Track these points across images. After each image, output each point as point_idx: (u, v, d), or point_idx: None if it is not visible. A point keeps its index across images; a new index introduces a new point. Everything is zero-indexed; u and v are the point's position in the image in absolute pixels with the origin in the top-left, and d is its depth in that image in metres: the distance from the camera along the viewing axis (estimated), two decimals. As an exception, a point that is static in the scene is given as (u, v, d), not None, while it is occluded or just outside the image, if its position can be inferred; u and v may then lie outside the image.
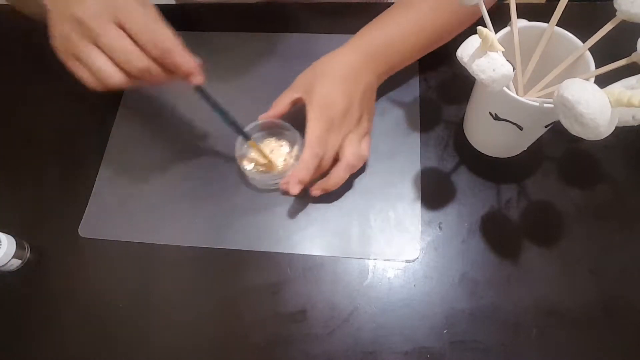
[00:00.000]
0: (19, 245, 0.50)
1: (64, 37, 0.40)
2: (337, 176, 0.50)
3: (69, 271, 0.52)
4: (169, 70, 0.42)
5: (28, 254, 0.51)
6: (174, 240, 0.52)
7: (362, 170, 0.53)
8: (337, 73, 0.50)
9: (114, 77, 0.40)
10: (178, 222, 0.53)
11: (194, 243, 0.52)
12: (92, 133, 0.59)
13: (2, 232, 0.49)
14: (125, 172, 0.56)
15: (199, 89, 0.46)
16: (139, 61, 0.40)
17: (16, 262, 0.50)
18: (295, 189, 0.48)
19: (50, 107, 0.62)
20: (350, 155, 0.50)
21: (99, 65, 0.39)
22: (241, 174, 0.54)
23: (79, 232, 0.53)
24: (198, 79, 0.44)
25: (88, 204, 0.54)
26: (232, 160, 0.55)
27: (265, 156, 0.52)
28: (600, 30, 0.40)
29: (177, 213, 0.53)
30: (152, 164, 0.56)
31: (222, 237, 0.52)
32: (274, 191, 0.53)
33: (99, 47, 0.39)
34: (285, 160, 0.53)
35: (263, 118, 0.52)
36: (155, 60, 0.41)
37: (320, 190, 0.50)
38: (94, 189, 0.55)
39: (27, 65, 0.65)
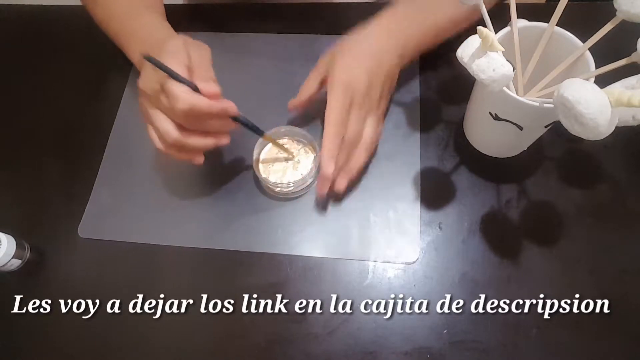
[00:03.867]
0: (19, 245, 0.50)
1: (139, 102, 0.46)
2: (359, 159, 0.49)
3: (68, 271, 0.52)
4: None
5: (28, 254, 0.51)
6: (174, 241, 0.52)
7: (373, 154, 0.53)
8: (361, 51, 0.49)
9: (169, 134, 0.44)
10: (178, 222, 0.53)
11: (194, 244, 0.52)
12: (92, 133, 0.59)
13: (2, 232, 0.49)
14: (125, 172, 0.56)
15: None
16: (170, 135, 0.43)
17: (16, 262, 0.50)
18: (329, 167, 0.47)
19: (50, 107, 0.62)
20: (369, 137, 0.49)
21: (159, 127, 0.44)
22: (242, 175, 0.54)
23: (79, 232, 0.53)
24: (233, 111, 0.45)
25: (88, 204, 0.54)
26: (232, 161, 0.55)
27: (281, 147, 0.52)
28: (600, 30, 0.40)
29: (177, 214, 0.53)
30: (152, 164, 0.56)
31: (222, 238, 0.52)
32: (292, 199, 0.53)
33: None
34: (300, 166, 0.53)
35: (294, 105, 0.52)
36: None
37: (345, 180, 0.49)
38: (93, 189, 0.55)
39: (27, 65, 0.65)
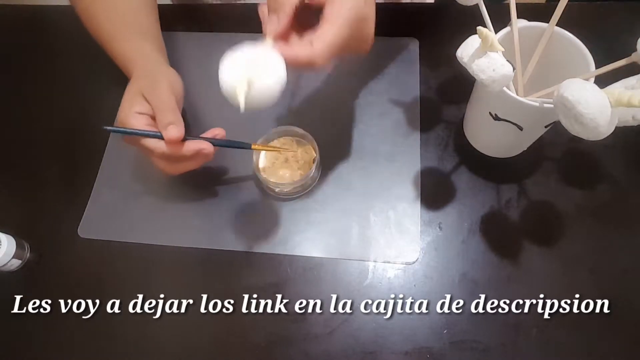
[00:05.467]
0: (19, 245, 0.50)
1: None
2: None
3: (68, 271, 0.52)
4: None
5: (28, 254, 0.51)
6: (174, 241, 0.52)
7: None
8: None
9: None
10: (178, 223, 0.53)
11: (194, 244, 0.52)
12: (92, 133, 0.59)
13: (2, 232, 0.49)
14: (125, 172, 0.56)
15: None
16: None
17: (16, 262, 0.50)
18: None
19: (50, 107, 0.62)
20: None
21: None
22: (242, 176, 0.54)
23: (79, 232, 0.53)
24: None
25: (87, 204, 0.54)
26: (232, 162, 0.55)
27: (275, 149, 0.52)
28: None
29: (177, 214, 0.53)
30: (152, 165, 0.56)
31: (222, 238, 0.52)
32: (292, 199, 0.53)
33: None
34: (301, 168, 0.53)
35: (273, 30, 0.40)
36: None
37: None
38: (93, 189, 0.55)
39: (27, 64, 0.65)
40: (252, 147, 0.50)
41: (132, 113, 0.46)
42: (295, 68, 0.39)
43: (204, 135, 0.47)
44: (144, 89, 0.47)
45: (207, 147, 0.45)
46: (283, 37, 0.41)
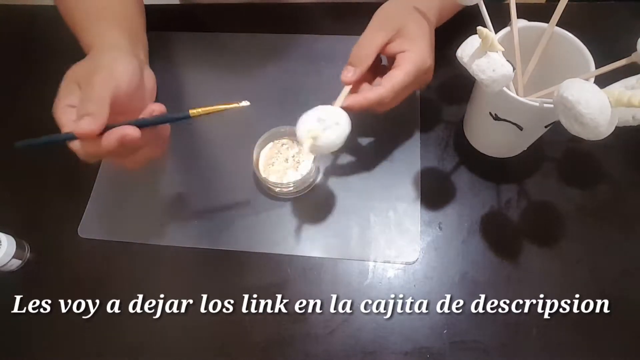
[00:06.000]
0: (19, 245, 0.50)
1: None
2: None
3: (68, 271, 0.52)
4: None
5: (28, 254, 0.51)
6: (174, 241, 0.52)
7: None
8: (430, 35, 0.48)
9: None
10: (178, 222, 0.53)
11: (194, 244, 0.52)
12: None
13: (2, 232, 0.49)
14: (125, 172, 0.56)
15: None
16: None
17: (16, 262, 0.50)
18: (348, 77, 0.46)
19: (50, 107, 0.62)
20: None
21: None
22: (242, 176, 0.54)
23: (79, 232, 0.53)
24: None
25: (88, 204, 0.54)
26: (232, 162, 0.55)
27: (217, 109, 0.42)
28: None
29: (177, 214, 0.53)
30: (152, 164, 0.56)
31: (222, 238, 0.52)
32: (292, 199, 0.53)
33: None
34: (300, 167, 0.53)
35: (348, 79, 0.47)
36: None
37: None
38: (93, 189, 0.55)
39: (27, 64, 0.65)
40: (191, 114, 0.41)
41: (62, 106, 0.40)
42: (364, 110, 0.45)
43: (142, 115, 0.42)
44: (80, 77, 0.41)
45: (132, 132, 0.38)
46: (355, 84, 0.47)
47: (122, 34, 0.47)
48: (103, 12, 0.49)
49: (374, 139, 0.56)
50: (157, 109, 0.42)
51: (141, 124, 0.40)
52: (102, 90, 0.39)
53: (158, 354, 0.48)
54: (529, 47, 0.45)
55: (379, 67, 0.51)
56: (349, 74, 0.47)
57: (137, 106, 0.43)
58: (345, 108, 0.44)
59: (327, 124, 0.42)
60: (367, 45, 0.47)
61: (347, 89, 0.47)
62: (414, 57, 0.46)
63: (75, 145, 0.40)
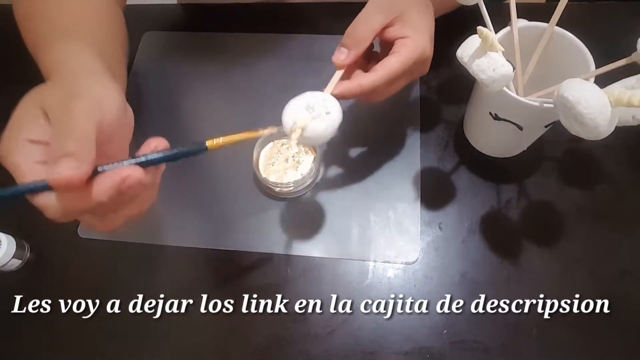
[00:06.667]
0: (19, 245, 0.50)
1: None
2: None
3: (68, 271, 0.52)
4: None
5: (28, 254, 0.51)
6: (174, 241, 0.52)
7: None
8: (431, 27, 0.44)
9: None
10: (178, 222, 0.53)
11: (194, 244, 0.52)
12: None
13: (2, 232, 0.49)
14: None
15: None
16: None
17: (16, 262, 0.50)
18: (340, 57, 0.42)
19: None
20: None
21: None
22: (242, 175, 0.54)
23: (79, 232, 0.53)
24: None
25: (88, 204, 0.54)
26: (232, 162, 0.55)
27: (236, 139, 0.37)
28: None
29: (177, 214, 0.53)
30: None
31: (222, 238, 0.52)
32: (292, 199, 0.53)
33: None
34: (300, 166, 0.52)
35: (341, 62, 0.42)
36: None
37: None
38: (93, 189, 0.55)
39: (27, 64, 0.65)
40: (208, 146, 0.34)
41: (20, 141, 0.29)
42: (356, 99, 0.42)
43: (139, 152, 0.31)
44: (49, 104, 0.30)
45: (135, 173, 0.28)
46: (348, 70, 0.43)
47: (95, 57, 0.36)
48: (74, 29, 0.40)
49: (374, 138, 0.56)
50: (159, 144, 0.32)
51: (145, 163, 0.30)
52: (85, 122, 0.28)
53: (158, 354, 0.48)
54: (529, 47, 0.45)
55: (372, 54, 0.47)
56: (342, 55, 0.42)
57: (118, 147, 0.33)
58: (336, 96, 0.41)
59: (316, 113, 0.38)
60: (363, 26, 0.42)
61: (338, 74, 0.42)
62: (414, 45, 0.42)
63: (45, 199, 0.28)
